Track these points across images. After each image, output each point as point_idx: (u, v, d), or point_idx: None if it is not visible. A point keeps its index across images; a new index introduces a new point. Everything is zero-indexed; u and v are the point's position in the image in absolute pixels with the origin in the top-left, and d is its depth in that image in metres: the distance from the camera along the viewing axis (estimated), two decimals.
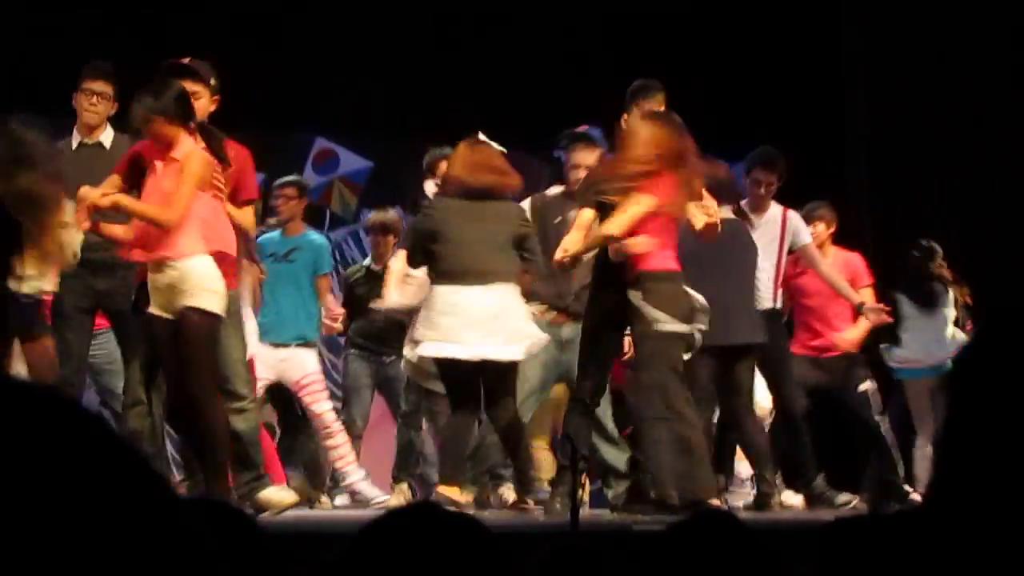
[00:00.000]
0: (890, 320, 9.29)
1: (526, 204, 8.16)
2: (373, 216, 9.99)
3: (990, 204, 11.53)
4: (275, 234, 9.37)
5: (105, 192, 6.84)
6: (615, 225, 7.10)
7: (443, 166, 8.64)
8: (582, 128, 8.52)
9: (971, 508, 1.10)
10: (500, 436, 7.69)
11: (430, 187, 8.68)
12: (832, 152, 12.16)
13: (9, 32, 10.46)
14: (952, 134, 11.80)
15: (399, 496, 8.98)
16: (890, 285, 10.20)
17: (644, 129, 7.28)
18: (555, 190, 8.54)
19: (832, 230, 9.54)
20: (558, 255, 7.27)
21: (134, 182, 6.95)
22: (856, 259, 9.55)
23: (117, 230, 6.95)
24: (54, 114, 7.83)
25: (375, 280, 9.62)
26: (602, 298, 7.38)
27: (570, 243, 7.28)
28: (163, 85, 6.86)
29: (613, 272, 7.20)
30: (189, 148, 6.80)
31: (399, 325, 9.64)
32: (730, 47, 11.83)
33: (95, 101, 7.75)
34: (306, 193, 9.60)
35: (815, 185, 10.02)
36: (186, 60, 7.41)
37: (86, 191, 6.84)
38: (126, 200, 6.83)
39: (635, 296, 7.06)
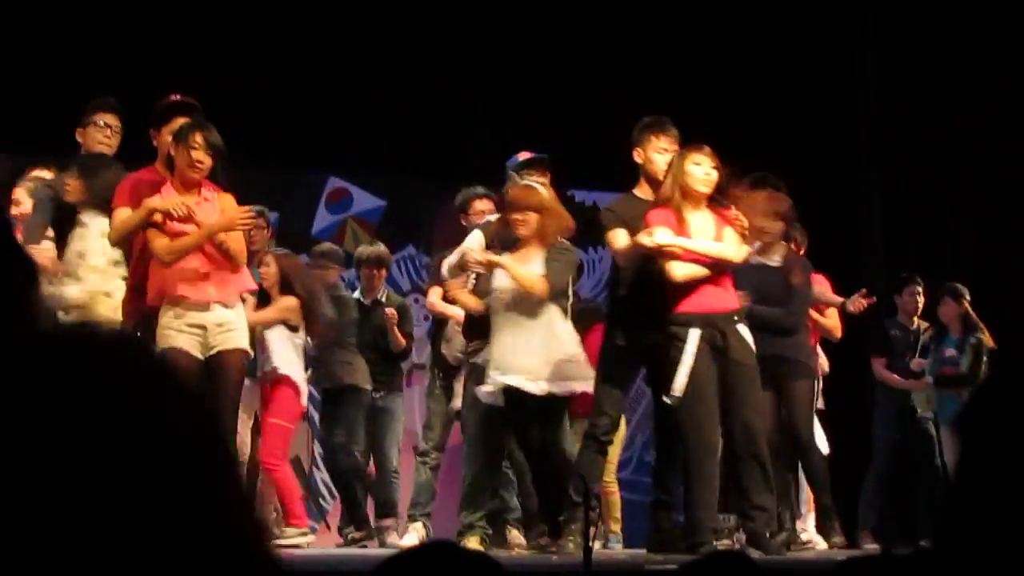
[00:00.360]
0: (872, 300, 9.39)
1: (478, 235, 8.08)
2: (367, 250, 9.94)
3: (1006, 239, 11.53)
4: None
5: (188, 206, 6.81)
6: (737, 252, 7.17)
7: (477, 205, 8.69)
8: (526, 155, 8.28)
9: (981, 551, 1.12)
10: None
11: (477, 229, 8.49)
12: (845, 195, 12.18)
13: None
14: (967, 171, 11.81)
15: (414, 534, 8.95)
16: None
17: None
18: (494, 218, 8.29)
19: (802, 251, 9.61)
20: (644, 237, 7.10)
21: None
22: (822, 280, 9.63)
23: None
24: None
25: (366, 313, 9.62)
26: (622, 337, 7.37)
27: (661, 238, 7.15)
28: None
29: (643, 310, 7.17)
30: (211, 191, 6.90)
31: (387, 361, 9.64)
32: (742, 83, 11.86)
33: (109, 135, 7.67)
34: (271, 223, 9.57)
35: (828, 223, 10.04)
36: (177, 96, 7.39)
37: (154, 201, 6.78)
38: (215, 226, 6.82)
39: (746, 329, 7.15)
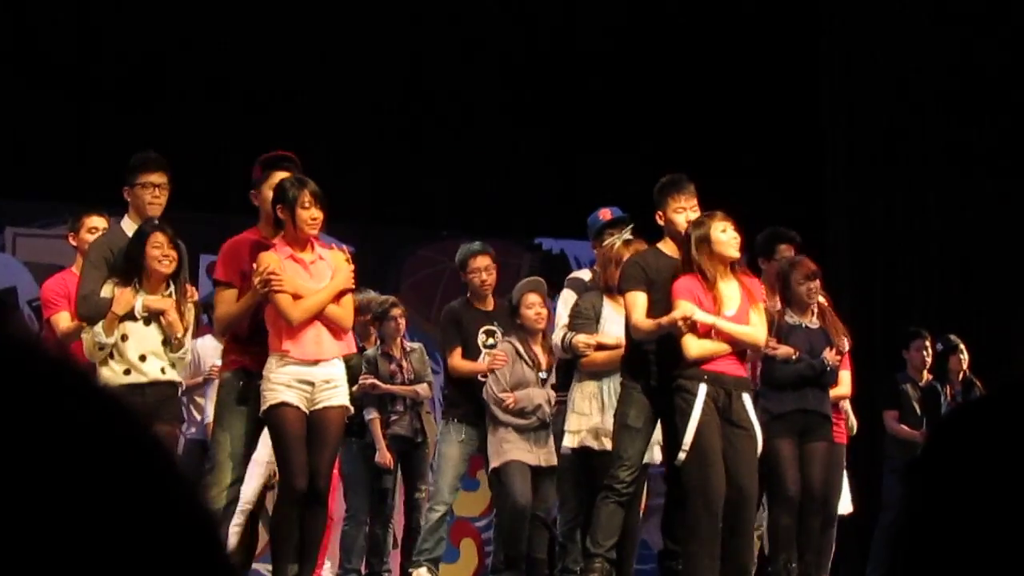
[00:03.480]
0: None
1: (571, 294, 8.32)
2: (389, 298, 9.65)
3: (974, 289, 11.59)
4: None
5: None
6: (762, 337, 7.33)
7: (475, 261, 8.68)
8: (607, 214, 8.35)
9: None
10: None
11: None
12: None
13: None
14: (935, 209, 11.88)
15: None
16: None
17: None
18: (585, 274, 8.57)
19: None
20: (679, 316, 7.08)
21: None
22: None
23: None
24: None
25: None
26: (642, 390, 7.39)
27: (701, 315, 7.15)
28: None
29: (667, 367, 7.22)
30: None
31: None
32: (710, 129, 11.92)
33: (158, 193, 7.43)
34: None
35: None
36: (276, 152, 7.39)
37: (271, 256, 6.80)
38: (338, 283, 7.06)
39: (749, 400, 7.28)
